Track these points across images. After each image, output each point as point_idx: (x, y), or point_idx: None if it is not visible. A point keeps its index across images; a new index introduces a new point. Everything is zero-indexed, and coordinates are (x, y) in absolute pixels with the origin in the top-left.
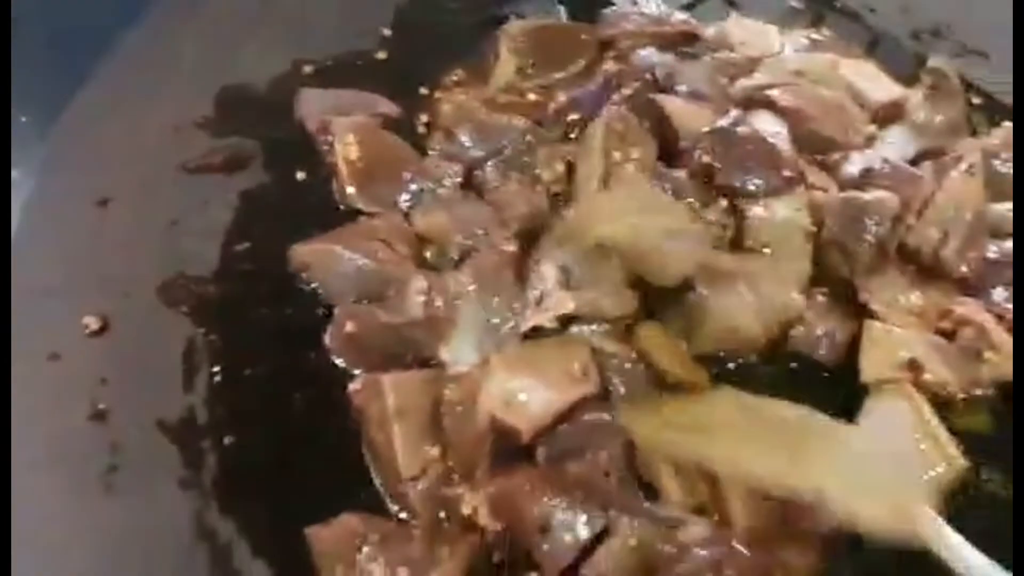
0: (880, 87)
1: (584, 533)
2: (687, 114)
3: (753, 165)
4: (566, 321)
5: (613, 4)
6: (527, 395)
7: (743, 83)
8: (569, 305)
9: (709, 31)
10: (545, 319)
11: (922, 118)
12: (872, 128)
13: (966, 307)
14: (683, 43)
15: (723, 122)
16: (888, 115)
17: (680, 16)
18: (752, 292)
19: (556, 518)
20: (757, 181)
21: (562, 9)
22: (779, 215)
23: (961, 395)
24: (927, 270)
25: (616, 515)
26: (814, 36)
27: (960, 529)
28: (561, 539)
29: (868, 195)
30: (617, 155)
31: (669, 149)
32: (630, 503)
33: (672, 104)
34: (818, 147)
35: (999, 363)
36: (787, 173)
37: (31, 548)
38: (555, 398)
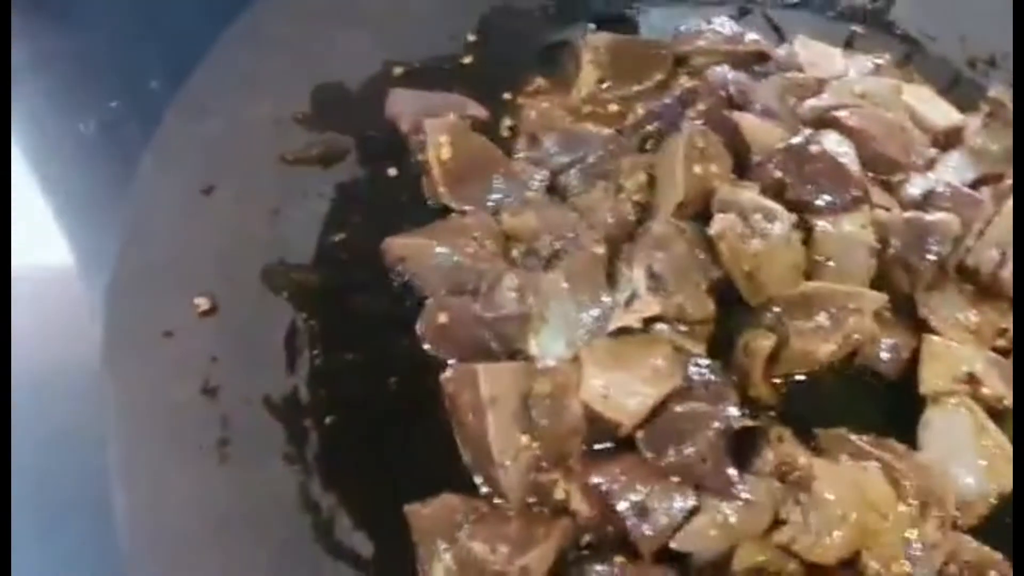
0: (940, 112)
1: (680, 513)
2: (759, 130)
3: (823, 182)
4: (648, 320)
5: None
6: (623, 389)
7: (811, 103)
8: (656, 308)
9: (779, 52)
10: (633, 319)
11: (979, 144)
12: (933, 151)
13: None
14: (754, 62)
15: (795, 140)
16: (948, 140)
17: (752, 36)
18: (829, 318)
19: (654, 501)
20: (826, 197)
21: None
22: (845, 230)
23: None
24: (984, 289)
25: (708, 495)
26: (876, 60)
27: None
28: (659, 520)
29: (931, 216)
30: (698, 169)
31: (741, 163)
32: (724, 486)
33: (746, 120)
34: (881, 168)
35: None
36: (855, 191)
37: (150, 514)
38: (649, 392)
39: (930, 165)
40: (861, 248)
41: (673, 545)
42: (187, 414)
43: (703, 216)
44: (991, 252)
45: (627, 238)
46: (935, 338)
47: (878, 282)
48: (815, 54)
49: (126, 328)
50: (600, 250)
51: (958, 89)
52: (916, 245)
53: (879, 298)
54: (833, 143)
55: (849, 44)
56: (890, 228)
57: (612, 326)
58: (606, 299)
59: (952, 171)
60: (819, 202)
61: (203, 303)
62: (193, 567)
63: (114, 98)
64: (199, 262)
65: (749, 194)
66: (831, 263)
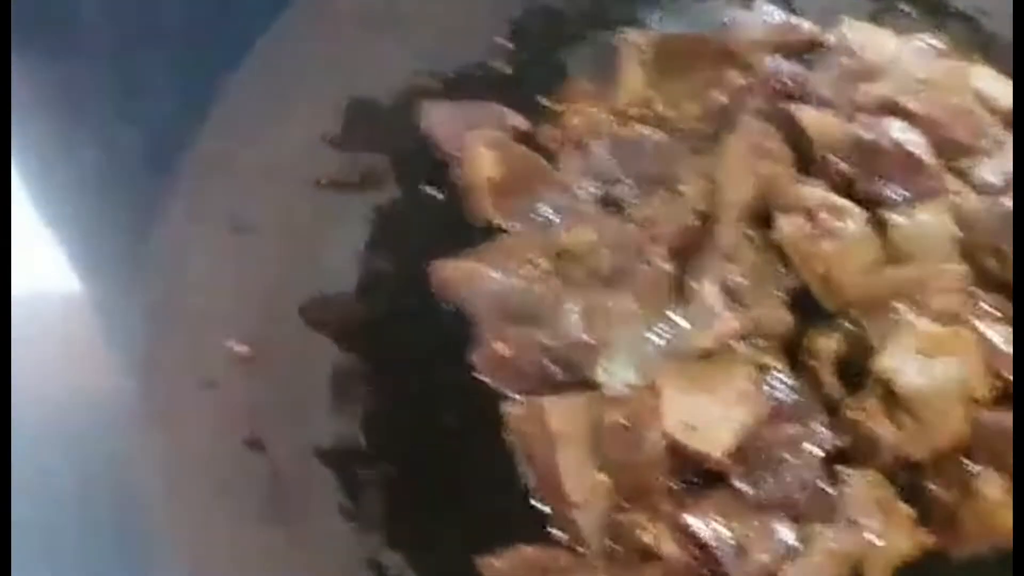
0: (1008, 93)
1: (781, 549)
2: (820, 122)
3: (894, 173)
4: (729, 339)
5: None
6: (708, 418)
7: (870, 90)
8: (735, 326)
9: (831, 39)
10: (712, 340)
11: None
12: (1005, 134)
13: None
14: (805, 50)
15: (860, 131)
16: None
17: (802, 22)
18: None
19: (751, 538)
20: (899, 189)
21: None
22: (922, 221)
23: None
24: None
25: (811, 526)
26: (931, 41)
27: None
28: (759, 559)
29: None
30: (763, 168)
31: (804, 158)
32: (826, 511)
33: (804, 113)
34: (952, 153)
35: None
36: (930, 181)
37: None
38: (739, 419)
39: (1001, 147)
40: (942, 239)
41: None
42: (234, 469)
43: (766, 219)
44: None
45: (693, 250)
46: None
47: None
48: (866, 37)
49: (163, 384)
50: (667, 265)
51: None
52: (1004, 230)
53: (960, 271)
54: (899, 131)
55: (898, 25)
56: (972, 215)
57: (690, 348)
58: (678, 319)
59: None
60: (892, 195)
61: (243, 350)
62: None
63: (122, 131)
64: (234, 304)
65: (814, 191)
66: (912, 259)
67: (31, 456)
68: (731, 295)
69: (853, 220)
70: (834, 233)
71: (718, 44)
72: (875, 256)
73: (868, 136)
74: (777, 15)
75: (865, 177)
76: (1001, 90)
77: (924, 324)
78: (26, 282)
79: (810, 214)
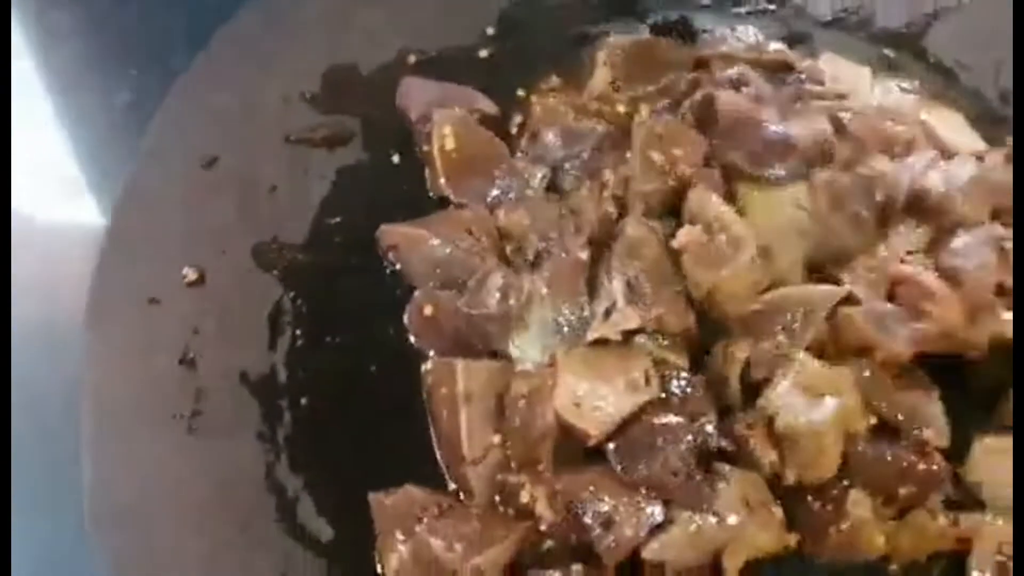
0: (962, 137)
1: (647, 526)
2: (735, 106)
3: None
4: (629, 332)
5: (711, 31)
6: (595, 400)
7: (819, 103)
8: (635, 321)
9: (803, 64)
10: (611, 332)
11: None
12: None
13: None
14: (776, 71)
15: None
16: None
17: (776, 46)
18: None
19: (621, 513)
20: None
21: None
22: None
23: None
24: None
25: (680, 509)
26: (905, 85)
27: None
28: (623, 533)
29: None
30: (656, 155)
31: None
32: (695, 499)
33: (724, 96)
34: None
35: None
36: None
37: (115, 478)
38: (622, 404)
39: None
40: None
41: (646, 555)
42: (163, 383)
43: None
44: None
45: (610, 239)
46: None
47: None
48: (841, 70)
49: (113, 290)
50: (583, 255)
51: (986, 123)
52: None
53: (833, 293)
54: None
55: (878, 67)
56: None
57: (590, 336)
58: (586, 308)
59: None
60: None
61: (191, 273)
62: (152, 534)
63: (135, 66)
64: (192, 232)
65: (718, 206)
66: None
67: None
68: (633, 291)
69: (744, 252)
70: (726, 260)
71: (690, 52)
72: (757, 279)
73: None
74: (753, 34)
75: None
76: (955, 134)
77: (810, 363)
78: None
79: (709, 230)
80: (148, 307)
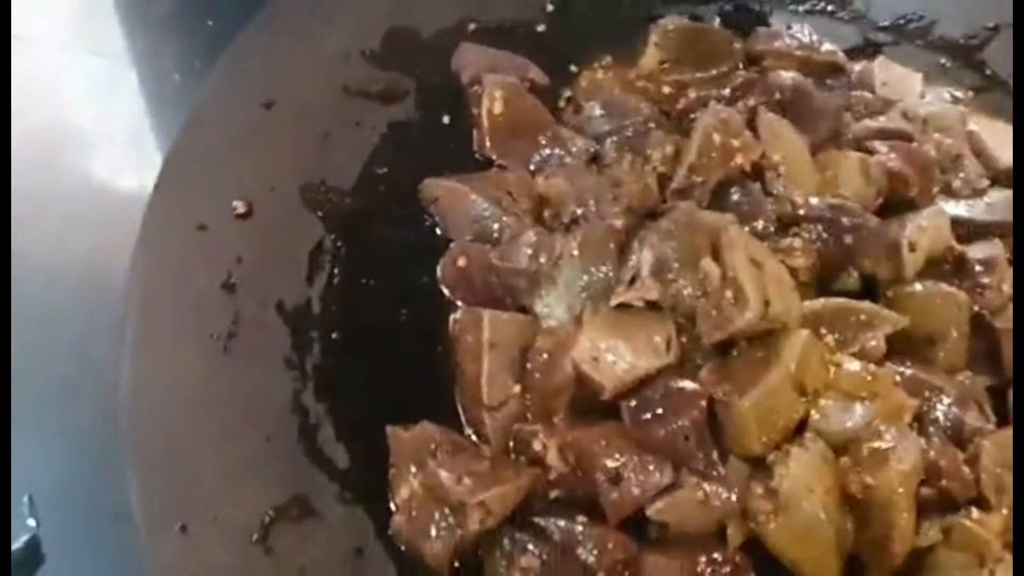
0: (1008, 149)
1: (654, 488)
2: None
3: None
4: (652, 304)
5: (768, 25)
6: (614, 356)
7: (865, 123)
8: (654, 294)
9: (855, 67)
10: (631, 298)
11: None
12: (985, 183)
13: None
14: (828, 74)
15: None
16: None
17: (829, 47)
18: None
19: (629, 470)
20: None
21: (717, 19)
22: None
23: None
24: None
25: (688, 474)
26: (957, 93)
27: None
28: (630, 490)
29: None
30: (717, 136)
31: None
32: (704, 466)
33: (767, 118)
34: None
35: None
36: None
37: (153, 386)
38: (639, 364)
39: (976, 193)
40: None
41: (650, 513)
42: (204, 304)
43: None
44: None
45: (649, 214)
46: None
47: None
48: (893, 76)
49: (165, 217)
50: (618, 223)
51: None
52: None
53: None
54: None
55: (933, 75)
56: None
57: (613, 301)
58: (613, 272)
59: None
60: None
61: (240, 206)
62: (183, 443)
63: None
64: (245, 168)
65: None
66: None
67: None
68: (660, 265)
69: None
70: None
71: (742, 46)
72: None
73: None
74: (808, 33)
75: None
76: (1002, 144)
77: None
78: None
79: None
80: (196, 233)
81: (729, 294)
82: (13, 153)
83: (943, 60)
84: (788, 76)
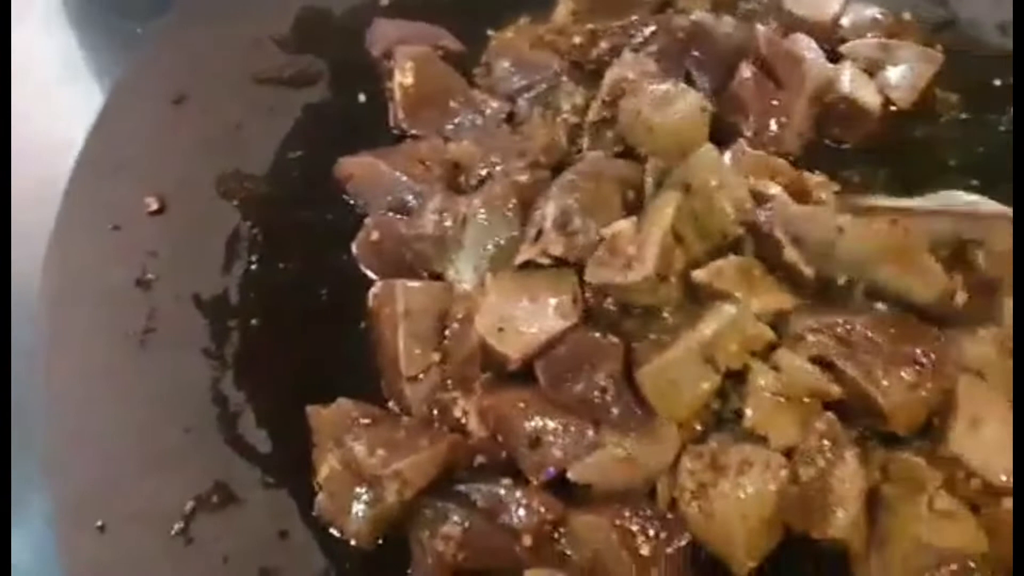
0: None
1: (574, 449)
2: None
3: None
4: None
5: None
6: (517, 323)
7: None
8: (558, 248)
9: None
10: (535, 254)
11: None
12: None
13: None
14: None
15: None
16: None
17: None
18: None
19: (548, 432)
20: None
21: None
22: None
23: None
24: None
25: (608, 430)
26: (877, 14)
27: None
28: (550, 452)
29: None
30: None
31: None
32: (622, 420)
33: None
34: None
35: None
36: None
37: (68, 389)
38: (546, 325)
39: None
40: None
41: (571, 475)
42: (118, 301)
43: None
44: None
45: (559, 167)
46: None
47: None
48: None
49: (77, 217)
50: (522, 178)
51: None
52: None
53: None
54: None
55: None
56: None
57: (517, 260)
58: (518, 231)
59: None
60: None
61: (153, 202)
62: (99, 441)
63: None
64: (157, 164)
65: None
66: None
67: None
68: (565, 218)
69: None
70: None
71: None
72: None
73: None
74: None
75: None
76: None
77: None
78: None
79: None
80: (110, 232)
81: (632, 249)
82: None
83: None
84: (687, 17)
